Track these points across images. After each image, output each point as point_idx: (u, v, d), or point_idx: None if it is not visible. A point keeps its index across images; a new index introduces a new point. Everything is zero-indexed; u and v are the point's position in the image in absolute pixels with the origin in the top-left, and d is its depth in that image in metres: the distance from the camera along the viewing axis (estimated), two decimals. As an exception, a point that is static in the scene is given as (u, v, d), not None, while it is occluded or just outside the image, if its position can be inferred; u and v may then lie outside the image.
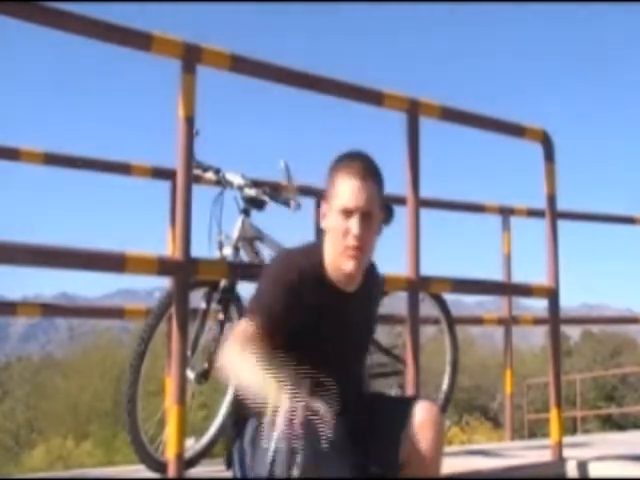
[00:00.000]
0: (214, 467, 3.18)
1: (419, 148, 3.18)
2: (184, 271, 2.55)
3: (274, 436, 1.76)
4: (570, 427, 14.89)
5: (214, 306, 3.01)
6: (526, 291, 3.78)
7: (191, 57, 2.61)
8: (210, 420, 3.20)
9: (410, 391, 3.04)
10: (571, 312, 62.32)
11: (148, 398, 3.56)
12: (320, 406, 1.78)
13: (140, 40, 2.56)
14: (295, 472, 1.76)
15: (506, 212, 5.33)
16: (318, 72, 3.00)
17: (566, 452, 3.54)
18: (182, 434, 2.45)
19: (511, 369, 5.31)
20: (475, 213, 5.34)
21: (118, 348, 19.80)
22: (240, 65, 2.79)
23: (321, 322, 2.14)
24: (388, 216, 3.16)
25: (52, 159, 3.91)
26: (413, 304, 3.11)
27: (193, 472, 3.00)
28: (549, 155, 3.68)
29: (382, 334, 3.69)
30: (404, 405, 2.12)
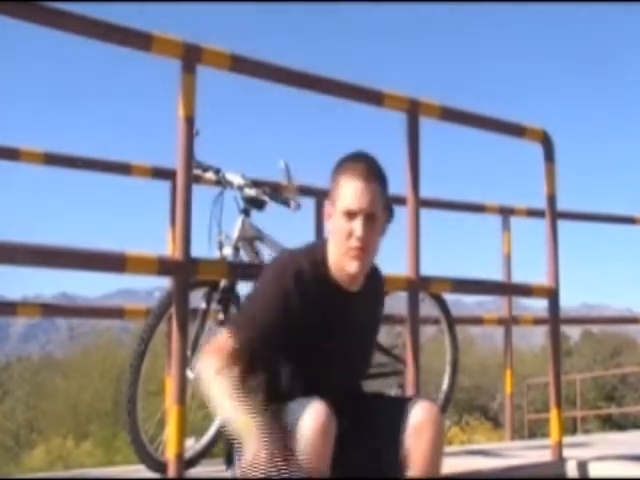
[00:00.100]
0: (214, 467, 3.18)
1: (419, 148, 3.18)
2: (184, 271, 2.55)
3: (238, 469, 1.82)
4: (570, 427, 14.89)
5: (214, 306, 3.01)
6: (526, 291, 3.78)
7: (191, 57, 2.61)
8: (210, 420, 3.20)
9: (410, 391, 3.04)
10: (571, 312, 62.34)
11: (148, 398, 3.56)
12: (290, 451, 1.79)
13: (140, 40, 2.56)
14: None
15: (506, 212, 5.33)
16: (318, 72, 3.00)
17: (566, 452, 3.54)
18: (182, 434, 2.45)
19: (511, 369, 5.31)
20: (475, 213, 5.34)
21: (118, 348, 19.79)
22: (240, 65, 2.79)
23: (325, 321, 2.14)
24: (389, 216, 3.16)
25: (52, 159, 3.91)
26: (413, 304, 3.11)
27: (193, 472, 3.00)
28: (549, 155, 3.68)
29: (382, 334, 3.68)
30: (404, 405, 2.12)
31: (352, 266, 2.10)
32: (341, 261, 2.12)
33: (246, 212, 3.09)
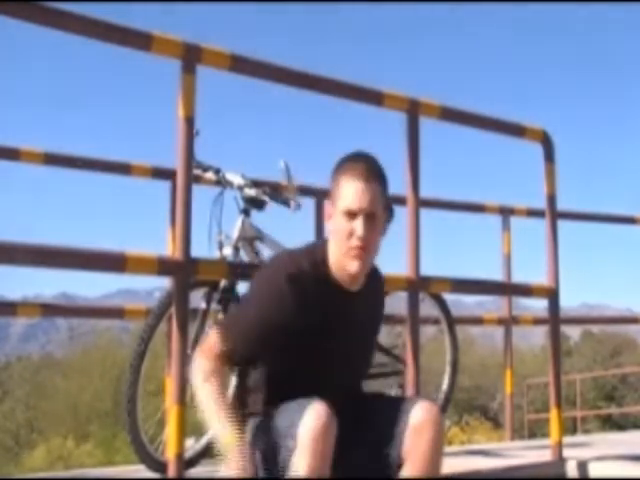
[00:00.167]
0: (214, 467, 3.18)
1: (419, 148, 3.18)
2: (184, 271, 2.55)
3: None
4: (570, 427, 14.89)
5: (214, 306, 3.01)
6: (526, 291, 3.78)
7: (191, 57, 2.61)
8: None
9: (410, 391, 3.04)
10: (571, 312, 62.30)
11: (148, 398, 3.56)
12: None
13: (140, 40, 2.56)
14: None
15: (506, 212, 5.33)
16: (318, 72, 3.00)
17: (566, 452, 3.54)
18: (182, 434, 2.45)
19: (511, 369, 5.31)
20: (475, 213, 5.34)
21: (118, 348, 19.79)
22: (240, 65, 2.79)
23: (325, 321, 2.14)
24: (389, 217, 3.16)
25: (52, 159, 3.91)
26: (413, 304, 3.11)
27: (193, 472, 3.00)
28: (549, 155, 3.68)
29: (382, 334, 3.69)
30: (404, 405, 2.12)
31: (353, 266, 2.10)
32: (342, 261, 2.12)
33: (246, 212, 3.09)
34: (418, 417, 2.05)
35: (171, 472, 2.45)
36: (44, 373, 22.41)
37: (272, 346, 2.12)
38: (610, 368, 20.60)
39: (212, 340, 2.12)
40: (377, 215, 2.12)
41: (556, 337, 3.66)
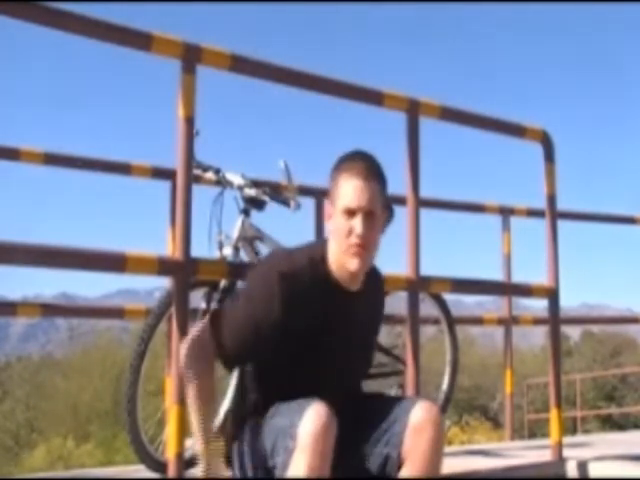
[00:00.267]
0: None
1: (419, 148, 3.18)
2: (184, 271, 2.55)
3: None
4: (570, 427, 14.90)
5: (214, 306, 3.01)
6: (526, 291, 3.78)
7: (191, 57, 2.61)
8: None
9: (410, 391, 3.04)
10: (571, 312, 62.31)
11: (148, 398, 3.56)
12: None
13: (140, 40, 2.56)
14: None
15: (506, 212, 5.33)
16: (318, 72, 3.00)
17: (566, 452, 3.54)
18: (182, 434, 2.44)
19: (511, 369, 5.31)
20: (475, 213, 5.34)
21: (118, 348, 19.81)
22: (240, 65, 2.79)
23: (324, 320, 2.14)
24: (388, 216, 3.16)
25: (52, 159, 3.91)
26: (413, 304, 3.11)
27: (193, 472, 3.00)
28: (549, 155, 3.68)
29: (382, 334, 3.69)
30: (404, 405, 2.12)
31: (353, 264, 2.10)
32: (342, 259, 2.12)
33: (246, 212, 3.09)
34: (418, 417, 2.05)
35: (171, 472, 2.45)
36: (44, 373, 22.43)
37: (263, 344, 2.11)
38: (610, 368, 20.61)
39: (202, 333, 2.12)
40: (376, 213, 2.12)
41: (556, 337, 3.66)
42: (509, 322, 5.32)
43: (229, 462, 2.25)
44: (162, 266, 2.55)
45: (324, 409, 1.91)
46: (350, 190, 2.10)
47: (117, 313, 4.39)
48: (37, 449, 17.41)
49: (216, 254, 3.01)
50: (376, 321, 2.41)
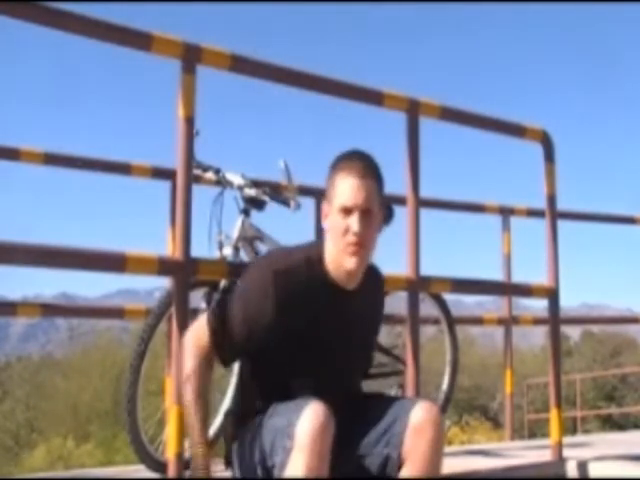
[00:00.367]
0: (214, 467, 3.17)
1: (419, 148, 3.18)
2: (184, 271, 2.55)
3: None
4: (570, 427, 14.89)
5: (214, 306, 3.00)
6: (526, 291, 3.78)
7: (191, 57, 2.61)
8: (209, 420, 3.20)
9: (410, 391, 3.04)
10: (571, 312, 62.30)
11: (148, 398, 3.56)
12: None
13: (140, 40, 2.56)
14: None
15: (506, 212, 5.33)
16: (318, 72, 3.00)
17: (566, 452, 3.54)
18: (182, 434, 2.44)
19: (511, 369, 5.31)
20: (475, 213, 5.34)
21: (118, 348, 19.79)
22: (240, 65, 2.79)
23: (320, 319, 2.14)
24: (388, 216, 3.16)
25: (52, 159, 3.91)
26: (413, 304, 3.11)
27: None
28: (549, 155, 3.68)
29: (382, 334, 3.69)
30: (404, 405, 2.12)
31: (349, 263, 2.10)
32: (338, 258, 2.12)
33: (246, 212, 3.09)
34: (418, 417, 2.05)
35: (171, 472, 2.45)
36: (44, 373, 22.41)
37: (259, 343, 2.12)
38: (610, 368, 20.60)
39: (201, 330, 2.13)
40: (373, 212, 2.12)
41: (556, 337, 3.66)
42: (509, 322, 5.32)
43: (229, 462, 2.25)
44: (162, 266, 2.56)
45: (322, 408, 1.91)
46: (347, 188, 2.10)
47: (117, 313, 4.39)
48: (37, 449, 17.40)
49: (216, 254, 3.01)
50: (376, 321, 2.41)
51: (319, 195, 4.16)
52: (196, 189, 2.65)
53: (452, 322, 3.94)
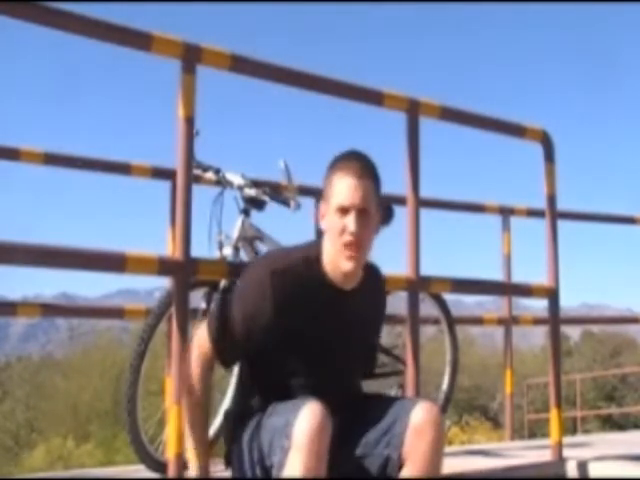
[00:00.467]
0: (214, 467, 3.17)
1: (419, 148, 3.17)
2: (184, 271, 2.55)
3: None
4: (570, 427, 14.90)
5: (214, 306, 3.00)
6: (526, 291, 3.77)
7: (191, 57, 2.61)
8: (209, 419, 3.19)
9: (410, 391, 3.03)
10: (571, 312, 62.30)
11: (148, 398, 3.56)
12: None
13: (140, 40, 2.56)
14: None
15: (506, 212, 5.33)
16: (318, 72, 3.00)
17: (566, 452, 3.54)
18: (182, 434, 2.44)
19: (511, 369, 5.31)
20: (475, 213, 5.33)
21: (118, 348, 19.80)
22: (240, 65, 2.79)
23: (317, 319, 2.14)
24: (388, 216, 3.16)
25: (52, 159, 3.91)
26: (413, 304, 3.11)
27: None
28: (549, 155, 3.68)
29: (382, 334, 3.69)
30: (404, 406, 2.12)
31: (347, 264, 2.10)
32: (335, 259, 2.12)
33: (246, 212, 3.08)
34: (418, 418, 2.05)
35: (171, 472, 2.45)
36: (44, 373, 22.42)
37: (258, 343, 2.12)
38: (610, 368, 20.60)
39: (202, 337, 2.16)
40: (370, 212, 2.12)
41: (556, 337, 3.66)
42: (509, 322, 5.32)
43: (229, 462, 2.25)
44: (162, 266, 2.55)
45: (319, 408, 1.91)
46: (343, 188, 2.10)
47: (117, 313, 4.39)
48: (37, 449, 17.40)
49: (216, 254, 3.01)
50: (377, 321, 2.41)
51: (319, 195, 4.15)
52: (196, 189, 2.65)
53: (452, 322, 3.94)
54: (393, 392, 3.46)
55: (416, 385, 3.04)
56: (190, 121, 2.59)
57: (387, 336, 3.94)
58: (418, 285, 3.13)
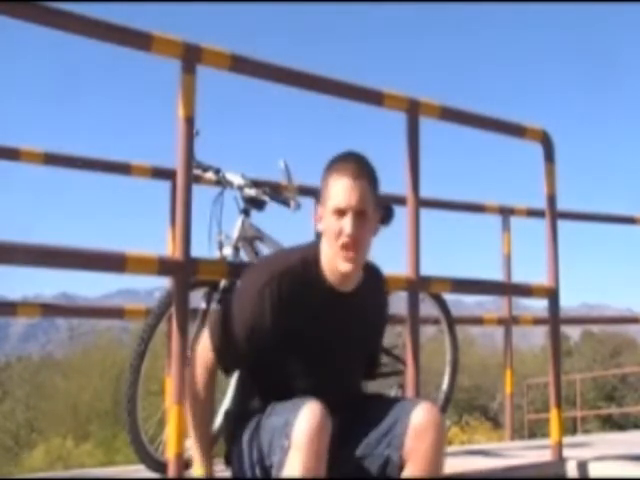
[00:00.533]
0: (214, 467, 3.17)
1: (419, 148, 3.17)
2: (184, 271, 2.55)
3: None
4: (570, 427, 14.90)
5: (214, 306, 3.01)
6: (526, 291, 3.77)
7: (191, 57, 2.61)
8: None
9: (410, 391, 3.03)
10: (571, 312, 62.31)
11: (148, 398, 3.56)
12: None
13: (140, 40, 2.56)
14: None
15: (506, 212, 5.33)
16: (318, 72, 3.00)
17: (566, 452, 3.54)
18: (182, 434, 2.44)
19: (511, 369, 5.31)
20: (475, 213, 5.33)
21: (118, 348, 19.81)
22: (240, 65, 2.79)
23: (315, 320, 2.14)
24: (388, 216, 3.16)
25: (52, 159, 3.91)
26: (413, 304, 3.11)
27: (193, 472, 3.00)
28: (549, 155, 3.68)
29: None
30: (405, 406, 2.12)
31: (345, 266, 2.10)
32: (333, 261, 2.12)
33: (246, 212, 3.08)
34: (419, 419, 2.05)
35: (171, 472, 2.45)
36: (44, 373, 22.42)
37: (258, 345, 2.12)
38: (610, 368, 20.60)
39: (204, 344, 2.17)
40: (367, 213, 2.11)
41: (556, 337, 3.66)
42: (509, 322, 5.32)
43: (229, 462, 2.25)
44: (162, 266, 2.55)
45: (318, 408, 1.91)
46: (340, 190, 2.10)
47: (117, 313, 4.39)
48: (37, 449, 17.41)
49: (216, 254, 3.01)
50: (379, 321, 2.41)
51: (319, 195, 4.16)
52: (196, 189, 2.65)
53: (452, 322, 3.94)
54: (393, 392, 3.46)
55: (416, 385, 3.03)
56: (190, 121, 2.59)
57: (387, 336, 3.94)
58: (418, 285, 3.13)
